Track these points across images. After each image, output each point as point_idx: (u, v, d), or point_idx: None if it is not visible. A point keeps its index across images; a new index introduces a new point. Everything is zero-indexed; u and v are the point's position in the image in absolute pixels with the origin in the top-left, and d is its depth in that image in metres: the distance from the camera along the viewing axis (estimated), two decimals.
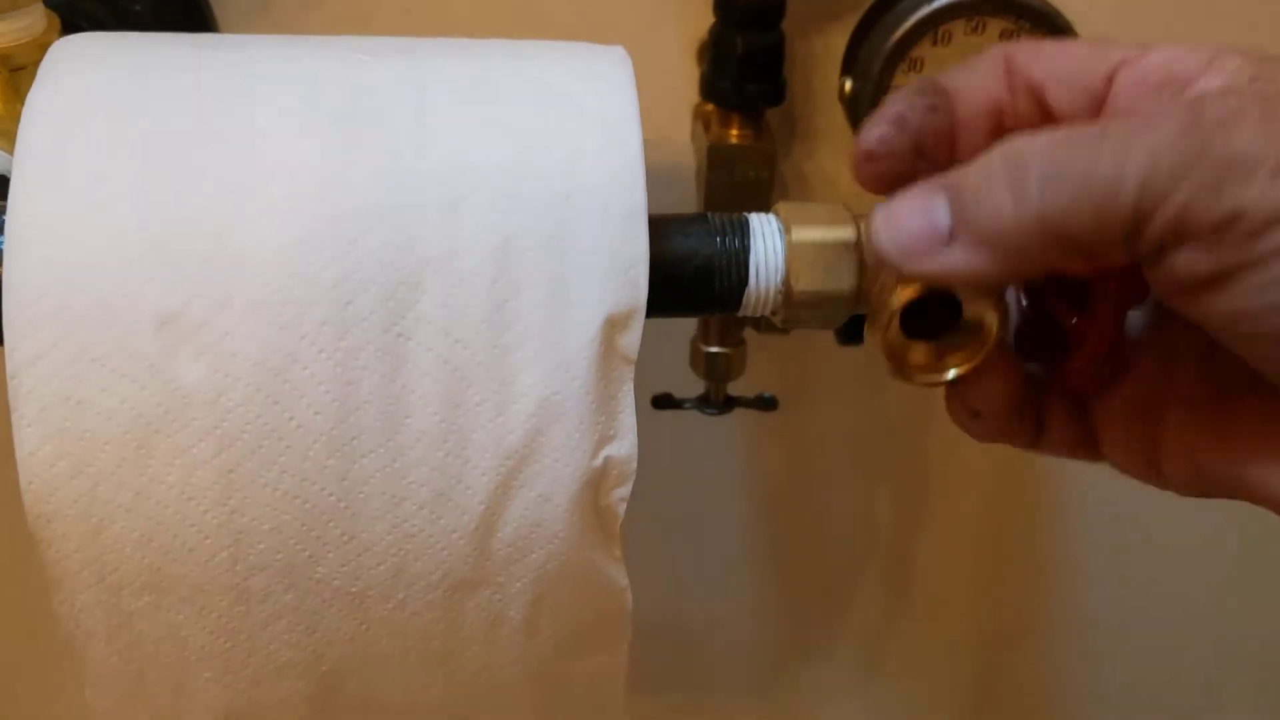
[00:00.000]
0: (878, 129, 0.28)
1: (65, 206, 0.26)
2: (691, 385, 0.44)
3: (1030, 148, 0.24)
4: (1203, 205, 0.23)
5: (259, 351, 0.26)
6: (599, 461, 0.28)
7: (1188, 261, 0.23)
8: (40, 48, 0.35)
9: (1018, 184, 0.24)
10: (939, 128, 0.28)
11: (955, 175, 0.26)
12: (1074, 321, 0.30)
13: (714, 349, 0.42)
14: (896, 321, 0.29)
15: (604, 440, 0.28)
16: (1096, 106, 0.27)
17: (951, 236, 0.25)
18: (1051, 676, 0.55)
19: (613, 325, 0.28)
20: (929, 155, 0.28)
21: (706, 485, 0.50)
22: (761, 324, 0.42)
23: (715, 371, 0.43)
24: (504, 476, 0.28)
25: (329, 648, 0.29)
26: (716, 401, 0.44)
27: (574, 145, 0.28)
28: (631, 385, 0.28)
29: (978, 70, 0.29)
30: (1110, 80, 0.27)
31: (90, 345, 0.26)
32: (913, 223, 0.26)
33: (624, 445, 0.29)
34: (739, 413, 0.44)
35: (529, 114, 0.28)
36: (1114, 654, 0.55)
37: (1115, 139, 0.24)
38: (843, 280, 0.29)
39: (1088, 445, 0.30)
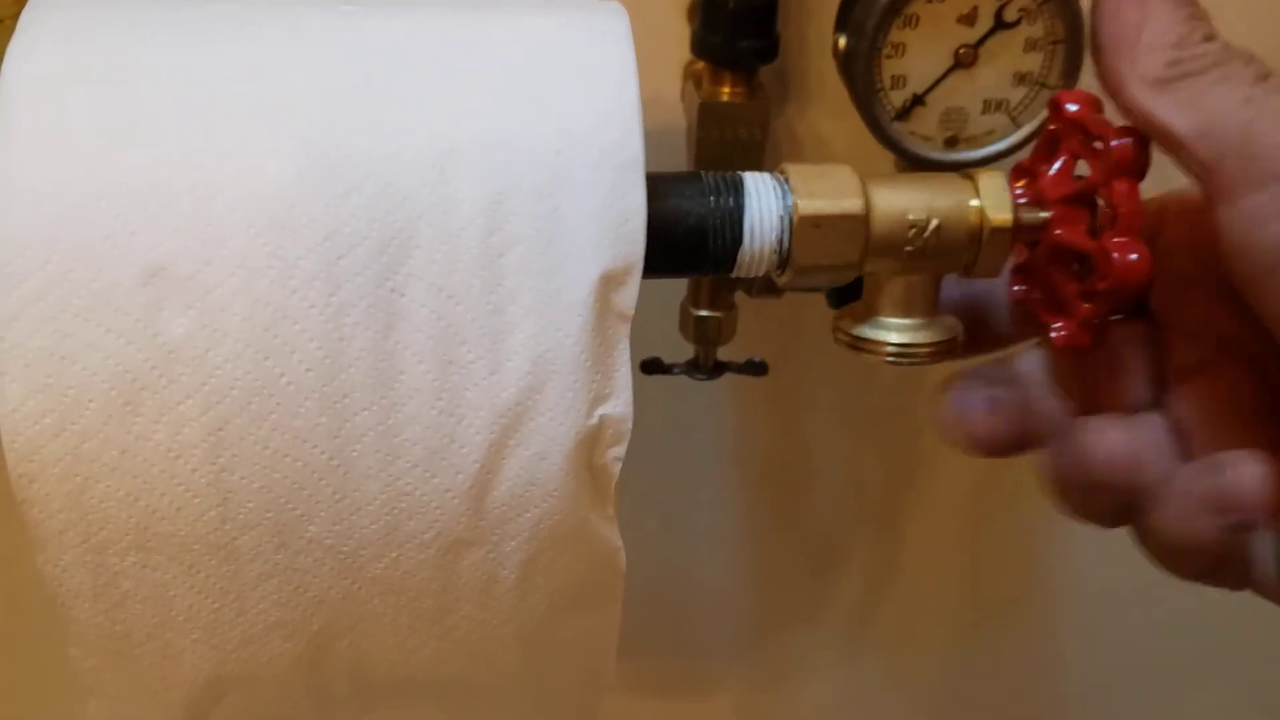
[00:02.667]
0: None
1: (47, 159, 0.26)
2: (680, 350, 0.43)
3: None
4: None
5: (248, 306, 0.26)
6: (594, 420, 0.28)
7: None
8: (14, 1, 0.35)
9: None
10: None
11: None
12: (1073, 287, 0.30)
13: (704, 313, 0.42)
14: None
15: (599, 399, 0.28)
16: None
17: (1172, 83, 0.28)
18: (1041, 646, 0.56)
19: (608, 281, 0.27)
20: None
21: (694, 450, 0.49)
22: (753, 287, 0.41)
23: (705, 336, 0.42)
24: (498, 434, 0.27)
25: (320, 607, 0.29)
26: (706, 366, 0.43)
27: (569, 97, 0.27)
28: (627, 343, 0.28)
29: None
30: None
31: (74, 299, 0.26)
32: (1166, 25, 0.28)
33: (619, 403, 0.28)
34: (728, 377, 0.44)
35: (523, 66, 0.28)
36: (1104, 624, 0.55)
37: None
38: (847, 253, 0.29)
39: None
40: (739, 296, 0.43)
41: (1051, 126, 0.31)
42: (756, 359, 0.44)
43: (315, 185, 0.26)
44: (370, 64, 0.27)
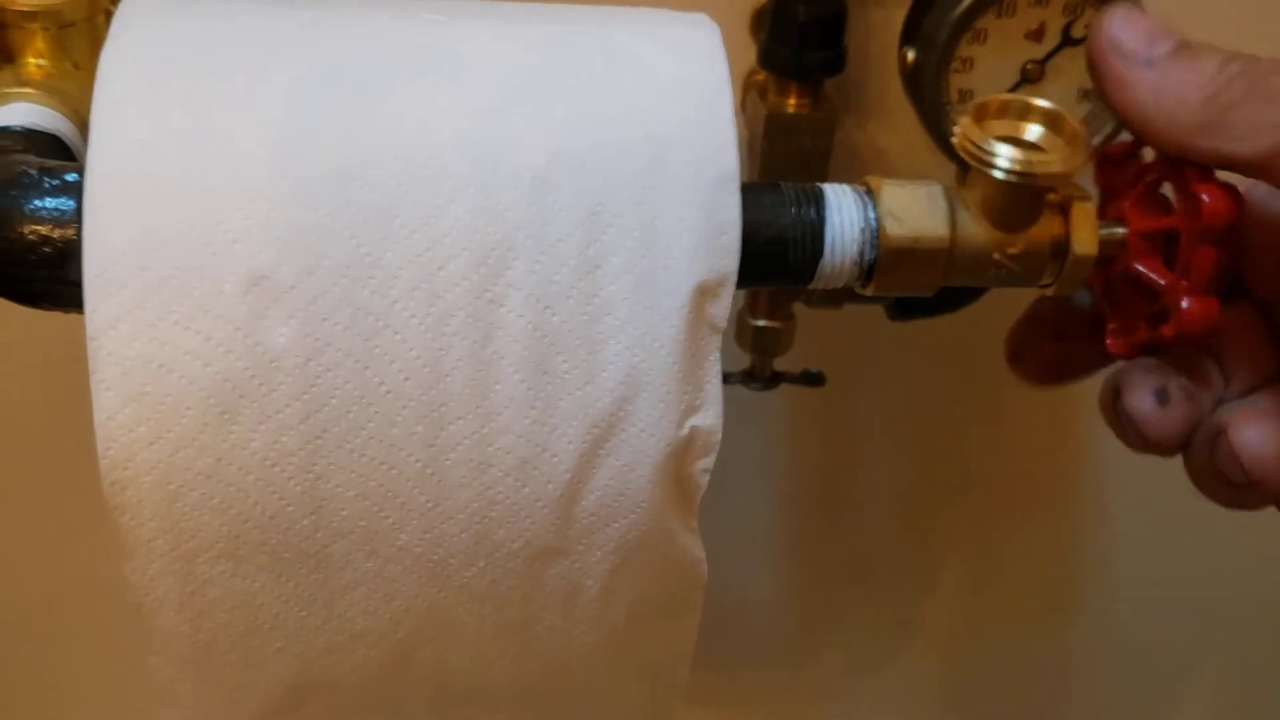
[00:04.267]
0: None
1: (147, 164, 0.26)
2: (735, 359, 0.43)
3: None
4: None
5: (349, 316, 0.26)
6: (685, 431, 0.28)
7: None
8: (88, 4, 0.35)
9: (1229, 63, 0.28)
10: None
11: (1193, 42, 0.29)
12: (1166, 281, 0.30)
13: (762, 323, 0.42)
14: None
15: (690, 410, 0.28)
16: None
17: (1154, 63, 0.29)
18: (1081, 654, 0.56)
19: (703, 293, 0.27)
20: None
21: (741, 457, 0.49)
22: (813, 298, 0.41)
23: (763, 346, 0.42)
24: (590, 445, 0.27)
25: (405, 615, 0.29)
26: (762, 376, 0.43)
27: (664, 110, 0.28)
28: (719, 355, 0.28)
29: None
30: None
31: (174, 307, 0.25)
32: (1140, 28, 0.29)
33: (709, 415, 0.28)
34: (781, 387, 0.44)
35: (616, 79, 0.28)
36: (1145, 632, 0.55)
37: None
38: (937, 224, 0.29)
39: None
40: (795, 306, 0.43)
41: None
42: (813, 370, 0.44)
43: (415, 196, 0.26)
44: (467, 75, 0.27)
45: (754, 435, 0.49)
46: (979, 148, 0.29)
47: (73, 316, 0.30)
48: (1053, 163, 0.29)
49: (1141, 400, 0.31)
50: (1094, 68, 0.30)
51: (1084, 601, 0.55)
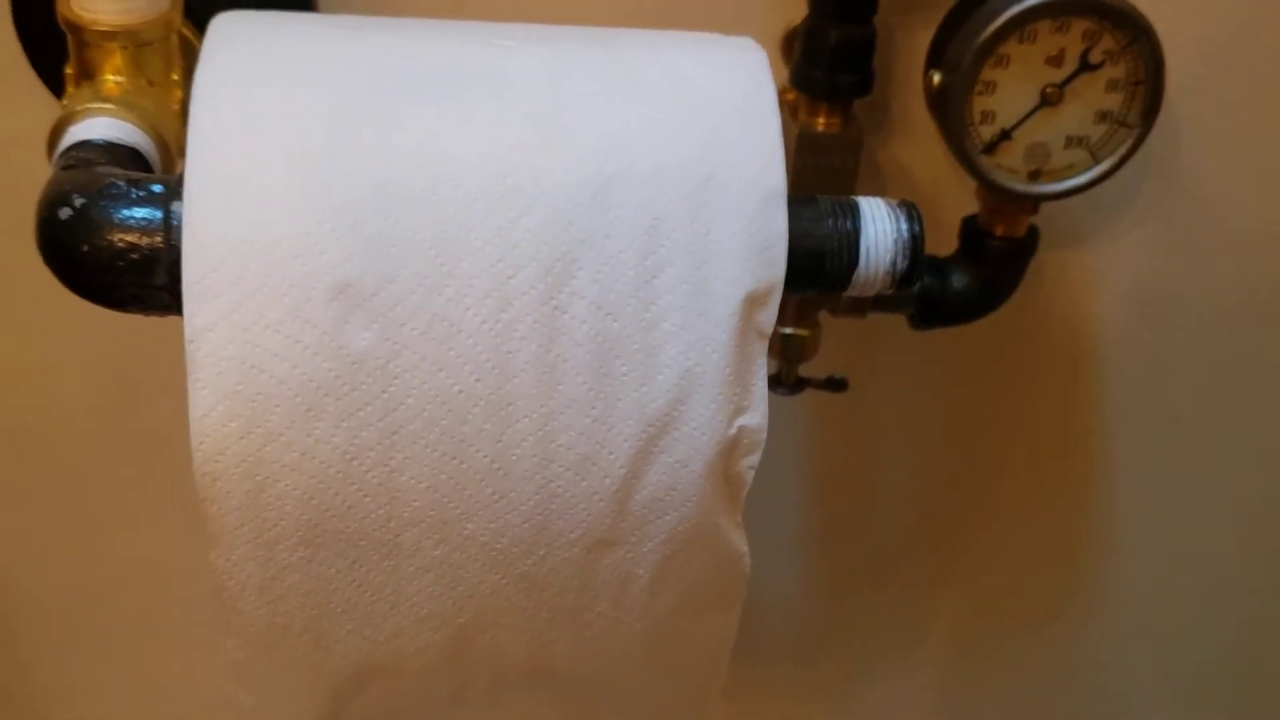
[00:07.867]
0: None
1: (241, 181, 0.28)
2: None
3: None
4: None
5: (426, 321, 0.28)
6: (733, 430, 0.30)
7: None
8: (163, 24, 0.37)
9: None
10: None
11: None
12: None
13: (789, 330, 0.44)
14: None
15: (739, 410, 0.30)
16: None
17: None
18: (1088, 656, 0.58)
19: (751, 301, 0.30)
20: None
21: (768, 461, 0.51)
22: (838, 307, 0.43)
23: (790, 352, 0.44)
24: (645, 442, 0.30)
25: (469, 601, 0.31)
26: (787, 381, 0.45)
27: (715, 130, 0.30)
28: (765, 359, 0.30)
29: None
30: None
31: (266, 312, 0.28)
32: None
33: (756, 415, 0.30)
34: (805, 392, 0.46)
35: (671, 100, 0.30)
36: (1154, 633, 0.57)
37: None
38: None
39: None
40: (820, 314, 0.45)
41: None
42: (838, 376, 0.46)
43: (489, 210, 0.28)
44: (537, 97, 0.29)
45: (778, 438, 0.51)
46: None
47: (130, 317, 0.31)
48: None
49: None
50: None
51: (1090, 606, 0.56)
